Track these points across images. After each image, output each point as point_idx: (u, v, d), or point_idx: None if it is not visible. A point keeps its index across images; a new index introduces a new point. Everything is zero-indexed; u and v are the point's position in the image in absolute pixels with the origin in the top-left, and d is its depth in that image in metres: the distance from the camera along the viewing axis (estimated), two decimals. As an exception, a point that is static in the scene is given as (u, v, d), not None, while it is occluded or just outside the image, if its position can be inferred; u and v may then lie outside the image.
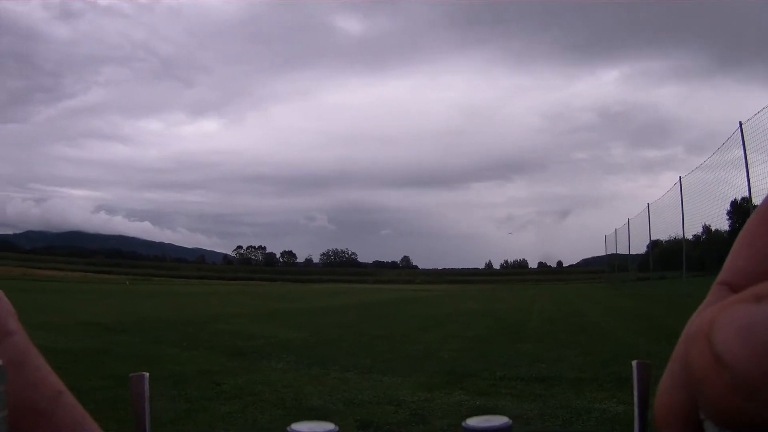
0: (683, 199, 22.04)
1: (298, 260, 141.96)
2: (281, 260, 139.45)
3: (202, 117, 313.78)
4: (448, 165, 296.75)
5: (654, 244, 31.47)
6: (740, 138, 14.81)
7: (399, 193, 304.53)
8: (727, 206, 21.27)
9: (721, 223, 23.74)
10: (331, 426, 0.53)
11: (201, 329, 9.36)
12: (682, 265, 22.26)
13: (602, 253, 54.33)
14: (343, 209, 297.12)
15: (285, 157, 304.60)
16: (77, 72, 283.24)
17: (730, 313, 0.22)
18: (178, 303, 17.78)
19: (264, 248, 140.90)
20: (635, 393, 0.50)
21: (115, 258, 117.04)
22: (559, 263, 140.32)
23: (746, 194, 15.17)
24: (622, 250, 38.85)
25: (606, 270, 53.17)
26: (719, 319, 0.22)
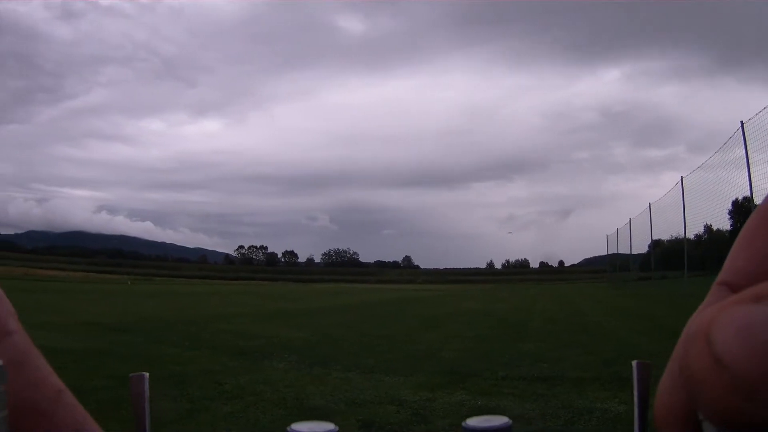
0: (685, 199, 22.06)
1: (299, 260, 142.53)
2: (283, 260, 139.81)
3: (203, 117, 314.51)
4: (450, 165, 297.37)
5: (655, 244, 31.49)
6: (741, 137, 14.83)
7: (400, 193, 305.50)
8: (729, 206, 21.31)
9: (723, 223, 23.73)
10: (331, 426, 0.53)
11: (203, 329, 9.37)
12: (683, 264, 22.26)
13: (604, 252, 54.47)
14: (344, 209, 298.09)
15: (287, 157, 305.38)
16: (79, 72, 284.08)
17: (730, 314, 0.22)
18: (180, 303, 17.80)
19: (266, 248, 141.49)
20: (635, 393, 0.50)
21: (116, 258, 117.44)
22: (561, 263, 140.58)
23: (748, 194, 15.20)
24: (624, 249, 38.93)
25: (607, 270, 53.17)
26: (719, 320, 0.22)
